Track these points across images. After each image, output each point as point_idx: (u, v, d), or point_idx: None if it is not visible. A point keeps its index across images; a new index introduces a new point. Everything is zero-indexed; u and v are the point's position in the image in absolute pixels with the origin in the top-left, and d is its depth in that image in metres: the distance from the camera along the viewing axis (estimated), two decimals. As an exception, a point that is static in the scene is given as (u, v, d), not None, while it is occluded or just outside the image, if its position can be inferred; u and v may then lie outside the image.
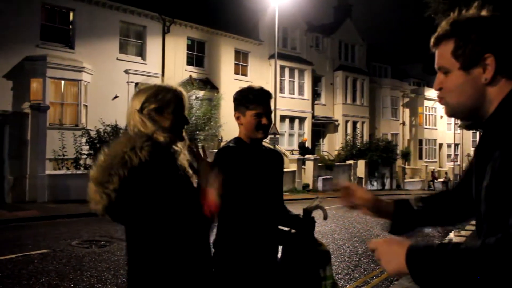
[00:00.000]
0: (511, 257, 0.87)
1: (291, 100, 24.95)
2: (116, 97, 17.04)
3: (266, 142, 13.51)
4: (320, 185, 20.42)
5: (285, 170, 10.55)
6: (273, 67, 21.47)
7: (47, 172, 12.59)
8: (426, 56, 33.40)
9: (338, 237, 8.77)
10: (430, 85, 33.30)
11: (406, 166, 30.77)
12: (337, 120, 28.43)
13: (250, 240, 2.17)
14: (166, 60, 19.32)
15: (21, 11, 14.64)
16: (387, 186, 26.80)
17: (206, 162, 1.75)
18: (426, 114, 35.17)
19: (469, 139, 38.56)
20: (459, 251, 0.94)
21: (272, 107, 2.90)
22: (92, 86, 16.26)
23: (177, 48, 19.81)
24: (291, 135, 25.71)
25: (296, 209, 2.48)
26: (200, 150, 1.78)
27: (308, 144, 24.47)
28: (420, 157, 34.44)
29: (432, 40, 1.21)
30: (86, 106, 15.93)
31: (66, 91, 15.69)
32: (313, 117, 26.80)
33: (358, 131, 28.80)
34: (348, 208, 1.53)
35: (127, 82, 17.60)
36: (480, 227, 1.12)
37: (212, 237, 1.93)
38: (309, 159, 20.92)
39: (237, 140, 2.30)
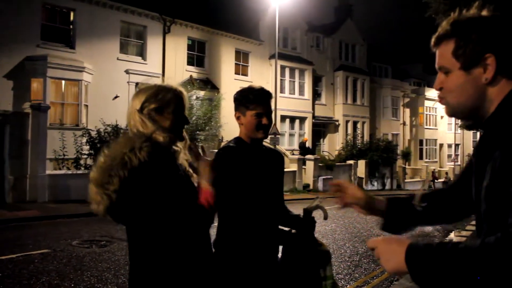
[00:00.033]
0: (510, 256, 0.87)
1: (291, 100, 24.95)
2: (116, 97, 17.04)
3: (267, 142, 13.51)
4: (320, 185, 20.42)
5: (285, 170, 10.50)
6: (274, 67, 21.48)
7: (48, 172, 12.60)
8: (426, 56, 33.32)
9: (338, 237, 8.76)
10: (430, 85, 33.25)
11: (407, 166, 30.75)
12: (337, 120, 28.42)
13: (251, 240, 2.17)
14: (167, 60, 19.31)
15: (22, 11, 14.65)
16: (387, 186, 26.78)
17: (206, 162, 1.75)
18: (426, 114, 35.15)
19: (470, 139, 38.53)
20: (459, 250, 0.94)
21: (273, 107, 2.90)
22: (93, 86, 16.26)
23: (177, 48, 19.80)
24: (291, 135, 25.71)
25: (296, 209, 2.48)
26: (200, 150, 1.78)
27: (308, 144, 24.47)
28: (421, 157, 34.43)
29: (433, 40, 1.21)
30: (86, 106, 15.94)
31: (66, 91, 15.70)
32: (314, 117, 26.80)
33: (359, 131, 28.77)
34: (340, 206, 1.54)
35: (128, 82, 17.61)
36: (480, 227, 1.12)
37: (213, 237, 1.93)
38: (309, 159, 20.92)
39: (237, 140, 2.30)
